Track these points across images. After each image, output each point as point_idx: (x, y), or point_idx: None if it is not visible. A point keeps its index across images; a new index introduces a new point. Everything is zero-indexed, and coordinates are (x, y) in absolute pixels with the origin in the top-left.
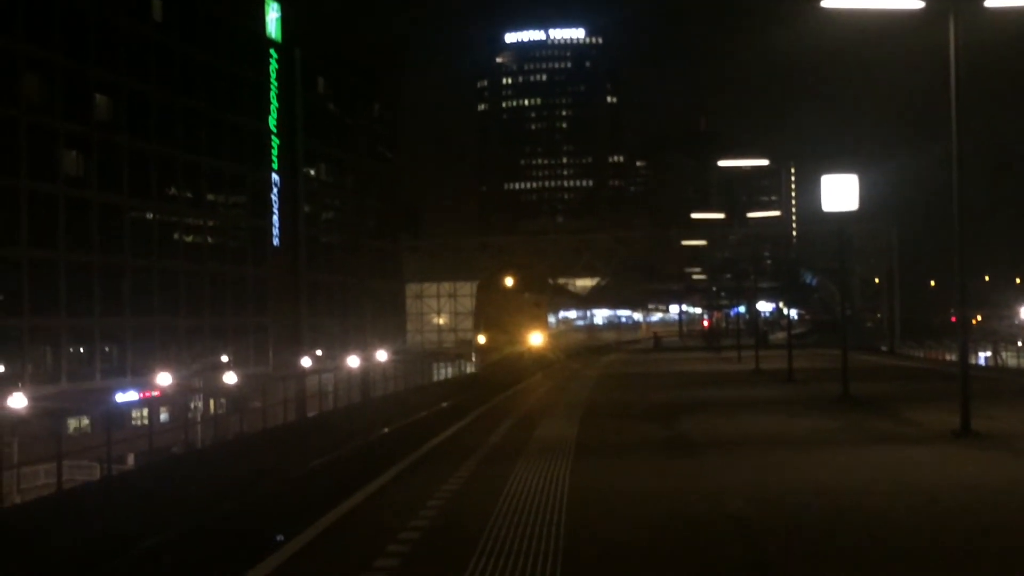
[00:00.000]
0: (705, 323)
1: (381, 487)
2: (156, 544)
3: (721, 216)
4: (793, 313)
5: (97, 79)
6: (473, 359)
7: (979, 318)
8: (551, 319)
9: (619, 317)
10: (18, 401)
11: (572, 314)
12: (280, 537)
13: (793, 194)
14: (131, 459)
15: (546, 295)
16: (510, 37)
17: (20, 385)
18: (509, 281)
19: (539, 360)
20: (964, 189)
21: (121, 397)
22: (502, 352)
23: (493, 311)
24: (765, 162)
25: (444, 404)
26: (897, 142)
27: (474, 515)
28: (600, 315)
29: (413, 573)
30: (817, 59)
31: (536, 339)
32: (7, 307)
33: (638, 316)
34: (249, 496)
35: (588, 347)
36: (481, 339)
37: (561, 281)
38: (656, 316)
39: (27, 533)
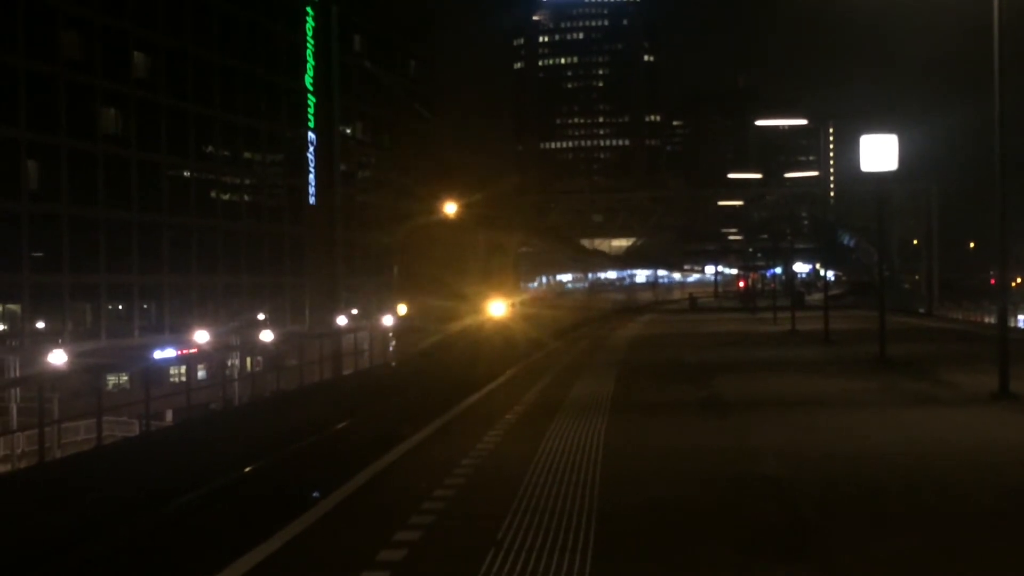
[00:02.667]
0: (741, 284)
1: (417, 444)
2: (194, 499)
3: (758, 176)
4: (830, 274)
5: (135, 37)
6: (391, 348)
7: (1019, 280)
8: (535, 282)
9: (625, 278)
10: (59, 357)
11: (566, 277)
12: (316, 493)
13: (832, 154)
14: (169, 415)
15: (514, 238)
16: None
17: (60, 341)
18: (451, 208)
19: (500, 352)
20: (1007, 148)
21: (159, 354)
22: (439, 331)
23: (422, 265)
24: (803, 121)
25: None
26: (939, 99)
27: (510, 471)
28: (599, 276)
29: (447, 531)
30: (859, 15)
31: (497, 309)
32: (48, 264)
33: (641, 279)
34: (286, 452)
35: (588, 318)
36: (402, 309)
37: (597, 241)
38: (675, 276)
39: (68, 487)
